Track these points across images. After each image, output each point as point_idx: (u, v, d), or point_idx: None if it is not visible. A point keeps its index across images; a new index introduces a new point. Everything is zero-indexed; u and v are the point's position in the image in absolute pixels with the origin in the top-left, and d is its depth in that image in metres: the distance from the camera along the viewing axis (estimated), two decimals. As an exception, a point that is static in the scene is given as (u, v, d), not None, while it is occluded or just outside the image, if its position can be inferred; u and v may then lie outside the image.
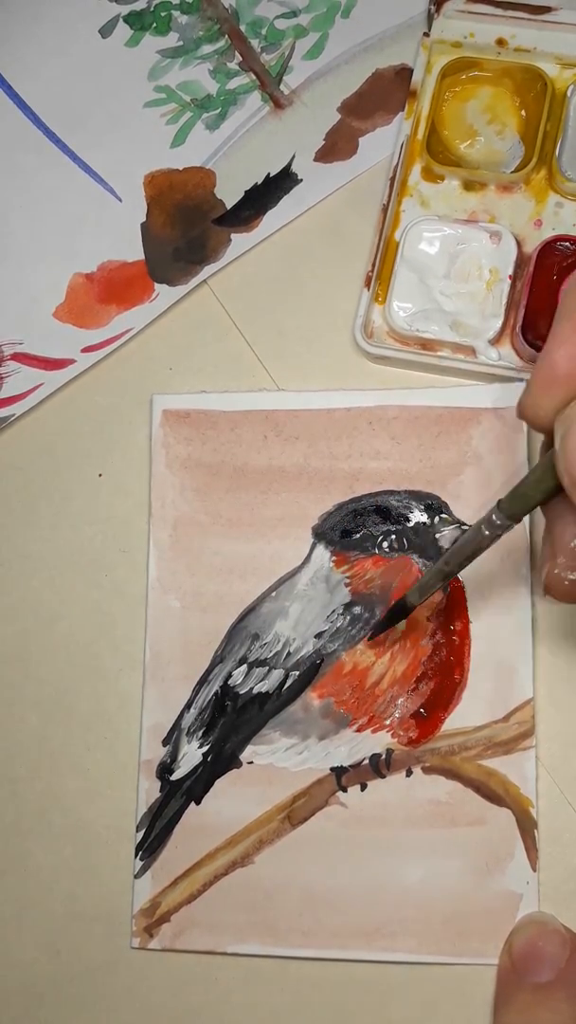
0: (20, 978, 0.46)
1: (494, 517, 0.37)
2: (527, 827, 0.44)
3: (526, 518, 0.46)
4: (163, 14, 0.55)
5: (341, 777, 0.46)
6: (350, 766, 0.46)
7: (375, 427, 0.48)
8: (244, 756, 0.46)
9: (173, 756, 0.47)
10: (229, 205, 0.52)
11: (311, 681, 0.46)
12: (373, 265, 0.50)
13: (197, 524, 0.49)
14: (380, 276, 0.50)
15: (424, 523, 0.47)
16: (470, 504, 0.47)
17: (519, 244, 0.49)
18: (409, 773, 0.45)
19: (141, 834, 0.46)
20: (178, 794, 0.46)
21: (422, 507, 0.47)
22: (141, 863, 0.46)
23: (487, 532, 0.38)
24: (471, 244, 0.49)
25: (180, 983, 0.45)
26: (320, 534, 0.48)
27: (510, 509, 0.37)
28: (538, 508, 0.37)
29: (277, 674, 0.46)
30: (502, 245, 0.49)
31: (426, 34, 0.52)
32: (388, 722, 0.46)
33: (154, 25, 0.55)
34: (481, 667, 0.46)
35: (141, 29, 0.55)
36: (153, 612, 0.48)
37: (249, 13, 0.55)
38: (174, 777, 0.47)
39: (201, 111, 0.54)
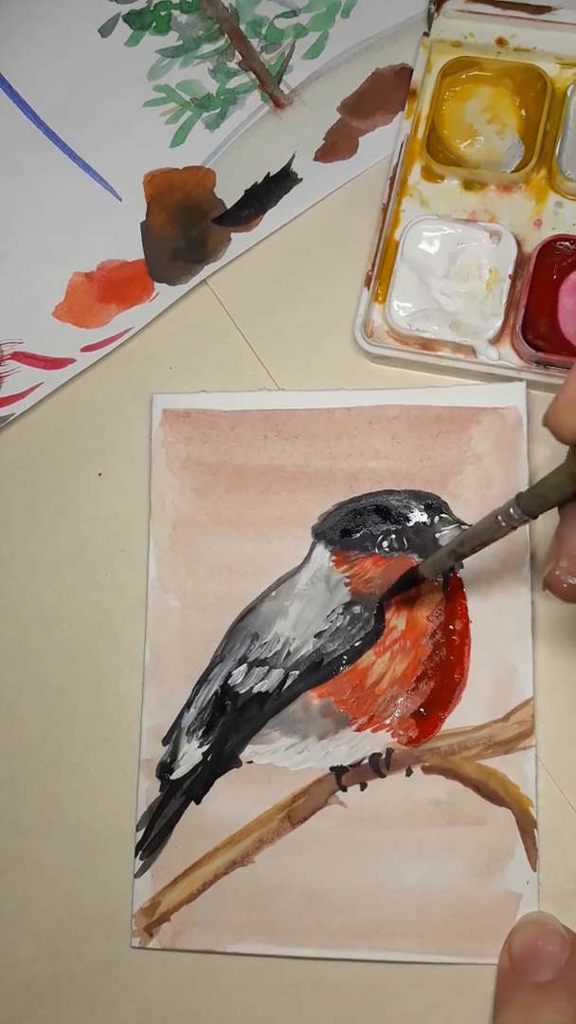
0: (20, 978, 0.46)
1: (511, 511, 0.38)
2: (527, 827, 0.44)
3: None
4: (163, 13, 0.55)
5: (341, 777, 0.46)
6: (350, 765, 0.46)
7: (375, 427, 0.48)
8: (244, 756, 0.46)
9: (173, 756, 0.47)
10: (229, 204, 0.52)
11: (311, 681, 0.46)
12: (373, 265, 0.50)
13: (197, 524, 0.49)
14: (380, 276, 0.50)
15: (424, 523, 0.47)
16: (470, 504, 0.47)
17: (519, 244, 0.49)
18: (409, 773, 0.45)
19: (141, 834, 0.46)
20: (178, 794, 0.46)
21: (422, 507, 0.47)
22: (141, 863, 0.46)
23: (503, 523, 0.39)
24: (471, 244, 0.49)
25: (180, 983, 0.45)
26: (320, 534, 0.48)
27: (527, 506, 0.38)
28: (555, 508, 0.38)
29: (277, 674, 0.46)
30: (502, 245, 0.49)
31: (426, 34, 0.52)
32: (388, 722, 0.46)
33: (154, 24, 0.55)
34: (481, 667, 0.46)
35: (141, 28, 0.55)
36: (153, 612, 0.48)
37: (249, 12, 0.55)
38: (174, 777, 0.47)
39: (201, 110, 0.54)
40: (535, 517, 0.38)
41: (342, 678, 0.46)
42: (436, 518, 0.47)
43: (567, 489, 0.36)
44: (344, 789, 0.45)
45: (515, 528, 0.39)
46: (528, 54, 0.51)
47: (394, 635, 0.46)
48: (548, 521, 0.47)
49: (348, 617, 0.46)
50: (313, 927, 0.45)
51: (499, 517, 0.39)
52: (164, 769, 0.47)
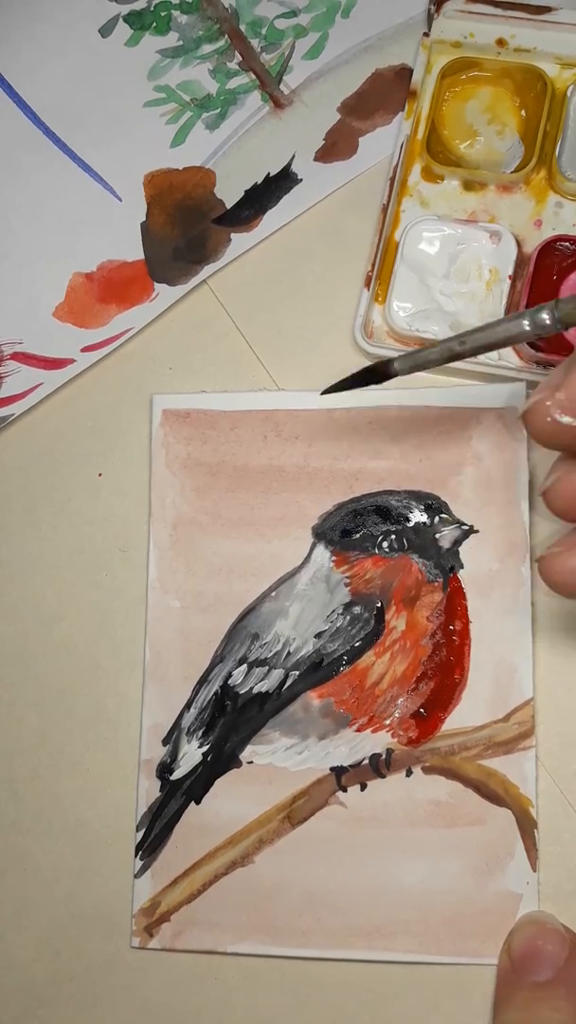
0: (20, 978, 0.46)
1: (545, 315, 0.34)
2: (527, 827, 0.44)
3: (526, 516, 0.46)
4: (163, 14, 0.55)
5: (341, 777, 0.46)
6: (350, 766, 0.46)
7: (375, 427, 0.48)
8: (244, 756, 0.46)
9: (173, 756, 0.47)
10: (229, 205, 0.52)
11: (311, 681, 0.46)
12: (373, 265, 0.50)
13: (197, 524, 0.49)
14: (380, 276, 0.50)
15: (424, 523, 0.47)
16: (470, 504, 0.47)
17: (519, 244, 0.49)
18: (409, 773, 0.45)
19: (141, 834, 0.46)
20: (178, 794, 0.46)
21: (422, 507, 0.47)
22: (141, 863, 0.46)
23: (527, 327, 0.35)
24: (471, 244, 0.49)
25: (180, 983, 0.45)
26: (320, 534, 0.48)
27: (567, 312, 0.33)
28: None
29: (277, 674, 0.46)
30: (502, 245, 0.49)
31: (426, 34, 0.52)
32: (388, 722, 0.46)
33: (154, 25, 0.55)
34: (481, 667, 0.46)
35: (141, 29, 0.55)
36: (153, 612, 0.48)
37: (249, 13, 0.55)
38: (174, 777, 0.47)
39: (201, 111, 0.54)
40: (566, 328, 0.34)
41: (342, 678, 0.46)
42: (436, 518, 0.47)
43: None
44: (344, 789, 0.46)
45: (535, 337, 0.34)
46: (528, 54, 0.51)
47: (394, 635, 0.46)
48: (546, 526, 0.47)
49: (348, 617, 0.46)
50: (313, 927, 0.45)
51: (525, 320, 0.34)
52: (164, 769, 0.47)
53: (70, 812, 0.47)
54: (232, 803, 0.46)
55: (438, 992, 0.44)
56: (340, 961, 0.45)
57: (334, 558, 0.47)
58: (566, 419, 0.33)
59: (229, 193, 0.52)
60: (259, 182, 0.52)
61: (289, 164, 0.52)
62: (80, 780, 0.48)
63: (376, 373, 0.39)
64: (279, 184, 0.52)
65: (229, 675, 0.47)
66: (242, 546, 0.48)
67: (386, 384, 0.49)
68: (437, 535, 0.46)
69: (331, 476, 0.48)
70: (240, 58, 0.54)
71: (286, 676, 0.46)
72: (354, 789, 0.46)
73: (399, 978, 0.44)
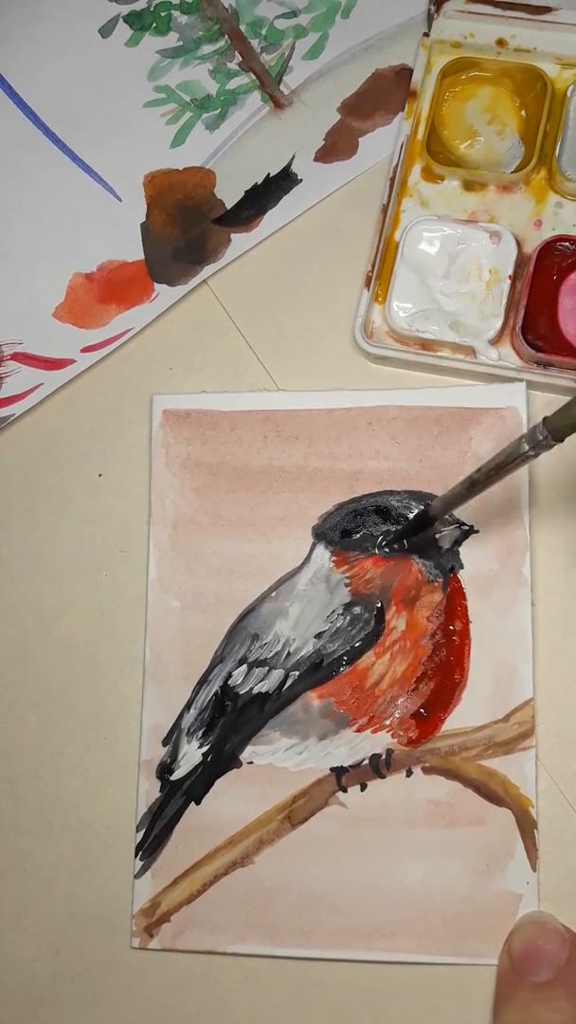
0: (20, 978, 0.46)
1: (537, 433, 0.36)
2: (527, 827, 0.44)
3: (526, 516, 0.46)
4: (163, 14, 0.55)
5: (341, 777, 0.46)
6: (350, 766, 0.46)
7: (375, 427, 0.48)
8: (244, 756, 0.46)
9: (173, 756, 0.47)
10: (229, 205, 0.52)
11: (311, 681, 0.46)
12: (373, 265, 0.50)
13: (197, 524, 0.49)
14: (380, 276, 0.50)
15: (424, 523, 0.47)
16: (470, 504, 0.47)
17: (519, 244, 0.49)
18: (409, 773, 0.45)
19: (141, 834, 0.46)
20: (178, 794, 0.46)
21: (422, 507, 0.47)
22: (141, 863, 0.46)
23: (527, 448, 0.37)
24: (471, 244, 0.49)
25: (180, 983, 0.45)
26: (320, 534, 0.48)
27: (556, 426, 0.35)
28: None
29: (277, 674, 0.46)
30: (502, 245, 0.49)
31: (426, 34, 0.52)
32: (388, 722, 0.46)
33: (154, 25, 0.55)
34: (481, 667, 0.46)
35: (141, 29, 0.55)
36: (153, 612, 0.48)
37: (249, 13, 0.55)
38: (174, 777, 0.47)
39: (201, 111, 0.54)
40: (562, 440, 0.36)
41: (342, 679, 0.46)
42: (436, 518, 0.47)
43: None
44: (344, 790, 0.46)
45: (536, 456, 0.37)
46: (528, 54, 0.51)
47: (394, 636, 0.46)
48: (546, 526, 0.47)
49: (348, 618, 0.46)
50: (313, 927, 0.45)
51: (523, 441, 0.37)
52: (164, 770, 0.47)
53: (70, 812, 0.47)
54: (232, 803, 0.46)
55: (438, 992, 0.44)
56: (340, 961, 0.45)
57: (334, 558, 0.47)
58: None
59: (229, 193, 0.52)
60: (259, 182, 0.52)
61: (289, 164, 0.52)
62: (80, 780, 0.48)
63: (425, 520, 0.44)
64: (279, 184, 0.52)
65: (229, 675, 0.47)
66: (242, 546, 0.48)
67: (386, 384, 0.49)
68: (437, 535, 0.46)
69: (331, 476, 0.48)
70: (240, 58, 0.54)
71: (286, 676, 0.46)
72: (354, 789, 0.46)
73: (399, 978, 0.44)
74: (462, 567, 0.46)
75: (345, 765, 0.46)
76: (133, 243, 0.52)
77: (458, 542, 0.46)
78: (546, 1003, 0.41)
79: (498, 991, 0.43)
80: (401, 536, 0.45)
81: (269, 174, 0.52)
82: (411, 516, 0.47)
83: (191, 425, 0.50)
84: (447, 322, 0.48)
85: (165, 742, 0.47)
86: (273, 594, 0.47)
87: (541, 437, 0.36)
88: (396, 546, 0.46)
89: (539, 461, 0.47)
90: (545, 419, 0.36)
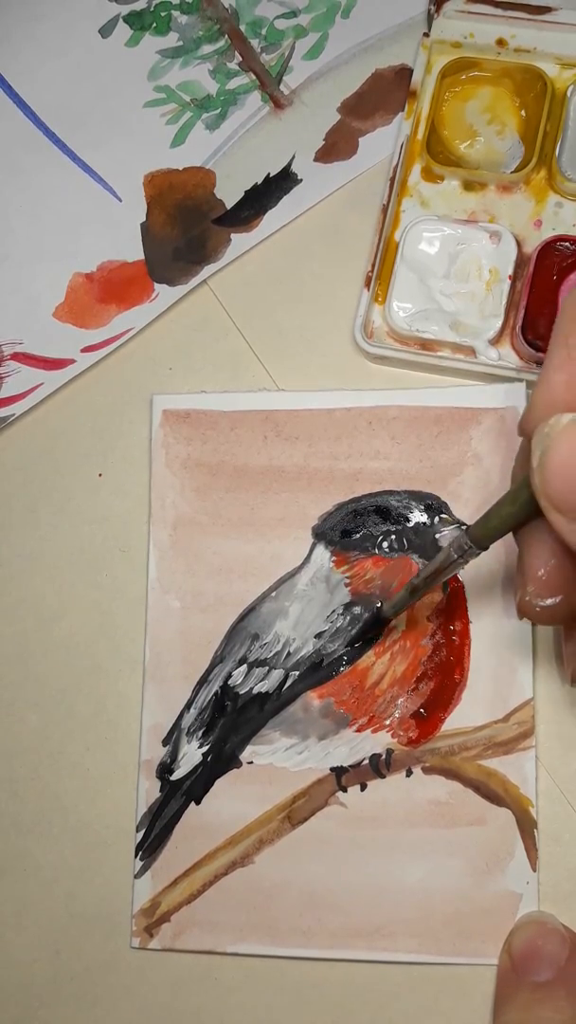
0: (20, 978, 0.46)
1: (462, 542, 0.38)
2: (527, 827, 0.44)
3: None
4: (163, 14, 0.55)
5: (341, 777, 0.46)
6: (350, 766, 0.46)
7: (375, 427, 0.48)
8: (244, 756, 0.46)
9: (173, 756, 0.47)
10: (229, 205, 0.52)
11: (311, 681, 0.46)
12: (373, 265, 0.50)
13: (197, 524, 0.49)
14: (380, 276, 0.50)
15: (424, 523, 0.47)
16: (470, 504, 0.47)
17: (519, 244, 0.49)
18: (409, 773, 0.45)
19: (141, 834, 0.46)
20: (178, 794, 0.46)
21: (422, 507, 0.47)
22: (141, 863, 0.46)
23: (455, 556, 0.38)
24: (471, 244, 0.49)
25: (180, 983, 0.45)
26: (320, 534, 0.48)
27: (477, 536, 0.37)
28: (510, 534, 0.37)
29: (277, 674, 0.46)
30: (502, 245, 0.49)
31: (426, 34, 0.52)
32: (388, 722, 0.46)
33: (154, 25, 0.55)
34: (481, 667, 0.46)
35: (141, 29, 0.55)
36: (153, 612, 0.48)
37: (249, 13, 0.55)
38: (174, 777, 0.47)
39: (201, 111, 0.54)
40: (485, 548, 0.38)
41: (342, 679, 0.46)
42: (436, 518, 0.47)
43: (516, 511, 0.36)
44: (344, 790, 0.46)
45: (467, 562, 0.38)
46: (528, 55, 0.51)
47: (394, 636, 0.46)
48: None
49: (348, 617, 0.46)
50: (313, 927, 0.45)
51: (451, 549, 0.38)
52: (164, 770, 0.47)
53: (70, 812, 0.47)
54: (232, 803, 0.46)
55: (438, 992, 0.44)
56: (340, 961, 0.45)
57: (334, 558, 0.47)
58: (548, 601, 0.37)
59: (229, 193, 0.52)
60: (259, 182, 0.52)
61: (289, 164, 0.52)
62: (80, 780, 0.48)
63: (378, 620, 0.45)
64: (279, 184, 0.52)
65: (229, 675, 0.47)
66: (242, 546, 0.48)
67: (386, 384, 0.49)
68: (437, 535, 0.46)
69: (331, 476, 0.48)
70: (240, 58, 0.54)
71: (286, 676, 0.46)
72: (354, 789, 0.46)
73: (399, 978, 0.44)
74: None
75: (345, 765, 0.46)
76: (133, 243, 0.52)
77: (458, 542, 0.46)
78: (546, 1003, 0.41)
79: (498, 991, 0.43)
80: (358, 637, 0.46)
81: (269, 174, 0.52)
82: (411, 516, 0.47)
83: (191, 425, 0.50)
84: (447, 322, 0.48)
85: (165, 742, 0.47)
86: (273, 594, 0.47)
87: (466, 547, 0.38)
88: (397, 544, 0.46)
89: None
90: (467, 528, 0.38)
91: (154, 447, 0.50)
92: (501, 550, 0.46)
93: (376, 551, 0.47)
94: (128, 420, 0.51)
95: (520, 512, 0.36)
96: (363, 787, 0.46)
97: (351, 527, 0.47)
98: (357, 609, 0.46)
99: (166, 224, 0.52)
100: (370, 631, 0.46)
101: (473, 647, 0.46)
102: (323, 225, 0.52)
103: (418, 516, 0.47)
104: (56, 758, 0.48)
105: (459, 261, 0.49)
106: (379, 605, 0.45)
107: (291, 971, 0.45)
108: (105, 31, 0.55)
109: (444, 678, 0.46)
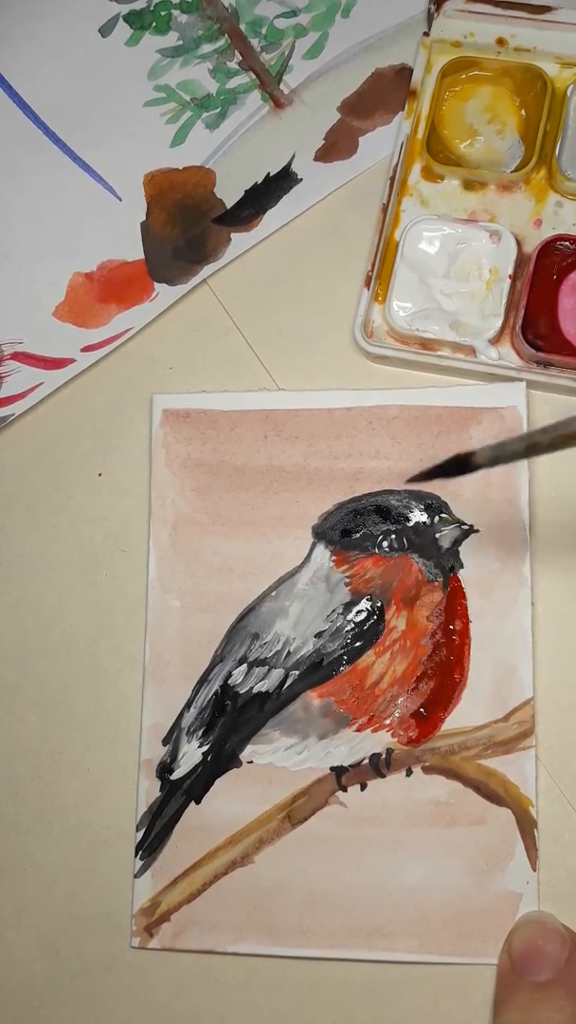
0: (20, 978, 0.46)
1: None
2: (527, 827, 0.44)
3: (526, 516, 0.46)
4: (163, 13, 0.55)
5: (341, 777, 0.46)
6: (350, 766, 0.46)
7: (375, 427, 0.48)
8: (244, 756, 0.46)
9: (173, 756, 0.47)
10: (229, 204, 0.52)
11: (311, 681, 0.46)
12: (373, 265, 0.50)
13: (197, 524, 0.49)
14: (380, 276, 0.50)
15: (424, 523, 0.47)
16: (470, 504, 0.47)
17: (519, 244, 0.49)
18: (409, 773, 0.45)
19: (141, 834, 0.46)
20: (178, 794, 0.46)
21: (422, 507, 0.47)
22: (141, 863, 0.46)
23: None
24: (471, 244, 0.49)
25: (180, 983, 0.45)
26: (320, 534, 0.48)
27: None
28: None
29: (277, 674, 0.46)
30: (502, 245, 0.49)
31: (426, 33, 0.52)
32: (388, 722, 0.46)
33: (154, 24, 0.55)
34: (481, 667, 0.46)
35: (141, 28, 0.55)
36: (153, 612, 0.48)
37: (249, 12, 0.55)
38: (174, 777, 0.47)
39: (201, 110, 0.54)
40: None
41: (342, 678, 0.46)
42: (436, 518, 0.47)
43: None
44: (344, 789, 0.46)
45: None
46: (528, 54, 0.51)
47: (394, 635, 0.46)
48: (546, 526, 0.47)
49: (348, 617, 0.46)
50: (313, 927, 0.45)
51: None
52: (164, 769, 0.47)
53: (70, 812, 0.47)
54: (232, 803, 0.46)
55: (438, 992, 0.44)
56: (340, 961, 0.45)
57: (334, 558, 0.47)
58: None
59: (229, 193, 0.52)
60: (259, 182, 0.52)
61: (289, 164, 0.52)
62: (80, 780, 0.48)
63: (465, 465, 0.36)
64: (279, 184, 0.52)
65: (229, 675, 0.47)
66: (242, 546, 0.48)
67: (386, 383, 0.49)
68: (437, 535, 0.46)
69: (331, 476, 0.48)
70: (240, 58, 0.54)
71: (286, 676, 0.46)
72: (354, 789, 0.46)
73: (399, 978, 0.44)
74: (462, 567, 0.46)
75: (345, 764, 0.46)
76: (133, 243, 0.52)
77: (458, 542, 0.46)
78: (546, 1003, 0.41)
79: (498, 991, 0.43)
80: (436, 474, 0.37)
81: (269, 173, 0.52)
82: (411, 515, 0.47)
83: (191, 425, 0.50)
84: (447, 321, 0.48)
85: (165, 741, 0.47)
86: (273, 593, 0.47)
87: None
88: (397, 544, 0.46)
89: (540, 461, 0.47)
90: None
91: (154, 447, 0.50)
92: (501, 549, 0.46)
93: (376, 550, 0.47)
94: (128, 420, 0.51)
95: None
96: (363, 787, 0.45)
97: (351, 526, 0.47)
98: (357, 609, 0.46)
99: (166, 223, 0.52)
100: (451, 474, 0.37)
101: (473, 647, 0.46)
102: (323, 225, 0.52)
103: (418, 515, 0.47)
104: (56, 758, 0.48)
105: (459, 261, 0.49)
106: (471, 452, 0.36)
107: (291, 971, 0.45)
108: (105, 30, 0.55)
109: (444, 678, 0.46)
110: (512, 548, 0.46)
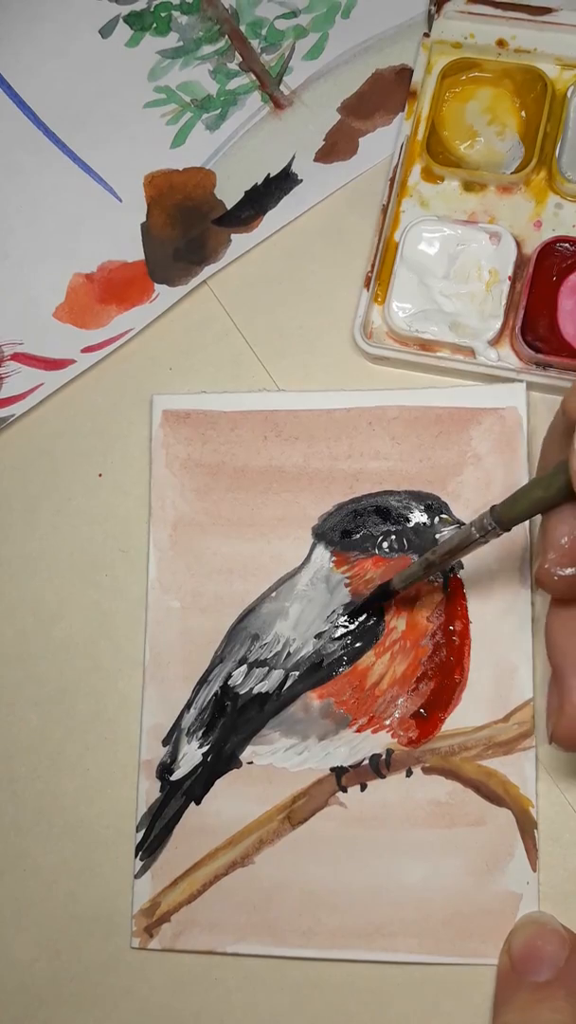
0: (20, 978, 0.46)
1: (485, 521, 0.38)
2: (527, 827, 0.44)
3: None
4: (163, 14, 0.55)
5: (341, 777, 0.46)
6: (350, 766, 0.46)
7: (375, 427, 0.48)
8: (244, 756, 0.46)
9: (173, 756, 0.47)
10: (229, 205, 0.52)
11: (311, 682, 0.46)
12: (373, 265, 0.50)
13: (197, 524, 0.49)
14: (380, 276, 0.50)
15: (424, 523, 0.47)
16: (470, 504, 0.47)
17: (519, 245, 0.49)
18: (409, 773, 0.45)
19: (141, 834, 0.46)
20: (178, 794, 0.46)
21: (422, 507, 0.47)
22: (141, 863, 0.46)
23: (476, 535, 0.38)
24: (471, 245, 0.49)
25: (180, 983, 0.45)
26: (320, 534, 0.48)
27: (503, 517, 0.37)
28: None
29: (277, 674, 0.46)
30: (502, 246, 0.49)
31: (426, 35, 0.52)
32: (388, 722, 0.46)
33: (154, 25, 0.55)
34: (481, 667, 0.46)
35: (141, 29, 0.55)
36: (153, 612, 0.48)
37: (249, 13, 0.55)
38: (174, 777, 0.47)
39: (201, 111, 0.54)
40: (507, 529, 0.38)
41: (342, 679, 0.46)
42: (436, 519, 0.47)
43: (545, 503, 0.36)
44: (344, 790, 0.46)
45: (487, 541, 0.38)
46: (528, 55, 0.51)
47: (394, 636, 0.46)
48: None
49: (348, 618, 0.46)
50: (313, 927, 0.45)
51: (473, 528, 0.38)
52: (164, 770, 0.47)
53: (70, 812, 0.47)
54: (232, 803, 0.46)
55: (438, 992, 0.44)
56: (340, 961, 0.45)
57: (334, 558, 0.47)
58: (568, 571, 0.37)
59: (229, 194, 0.52)
60: (259, 183, 0.52)
61: (289, 165, 0.53)
62: (80, 780, 0.48)
63: (386, 592, 0.44)
64: (279, 185, 0.52)
65: (229, 676, 0.47)
66: (242, 546, 0.48)
67: (385, 384, 0.49)
68: (437, 535, 0.46)
69: (331, 476, 0.48)
70: (240, 59, 0.54)
71: (286, 676, 0.46)
72: (354, 789, 0.46)
73: (399, 978, 0.44)
74: (462, 567, 0.46)
75: (345, 765, 0.46)
76: (133, 243, 0.52)
77: (458, 542, 0.47)
78: (546, 1003, 0.41)
79: (498, 991, 0.43)
80: (363, 608, 0.46)
81: (269, 174, 0.53)
82: (411, 516, 0.47)
83: (191, 425, 0.50)
84: (447, 323, 0.48)
85: (165, 742, 0.47)
86: (273, 594, 0.47)
87: (488, 525, 0.38)
88: (397, 544, 0.46)
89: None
90: (493, 508, 0.38)
91: (154, 447, 0.50)
92: (501, 549, 0.46)
93: (376, 551, 0.47)
94: (128, 420, 0.51)
95: (553, 497, 0.36)
96: (363, 787, 0.46)
97: (351, 527, 0.47)
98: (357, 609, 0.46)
99: (166, 224, 0.52)
100: (377, 603, 0.45)
101: (473, 647, 0.46)
102: (323, 225, 0.52)
103: (418, 516, 0.47)
104: (56, 758, 0.48)
105: (459, 262, 0.49)
106: (388, 580, 0.45)
107: (291, 971, 0.45)
108: (105, 31, 0.55)
109: (444, 678, 0.46)
110: (511, 548, 0.46)
